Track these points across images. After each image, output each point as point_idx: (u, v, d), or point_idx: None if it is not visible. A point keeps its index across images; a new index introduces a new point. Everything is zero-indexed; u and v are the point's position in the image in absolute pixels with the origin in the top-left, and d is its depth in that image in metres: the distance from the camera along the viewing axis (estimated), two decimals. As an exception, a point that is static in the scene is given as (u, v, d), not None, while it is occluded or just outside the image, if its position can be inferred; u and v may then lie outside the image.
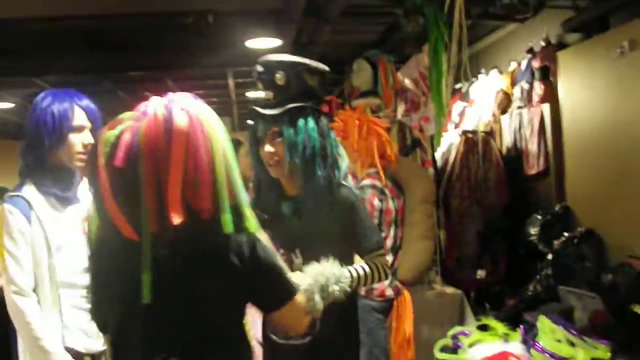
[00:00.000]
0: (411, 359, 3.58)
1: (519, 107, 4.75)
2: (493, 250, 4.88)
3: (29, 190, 2.27)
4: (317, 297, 1.91)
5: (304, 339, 2.06)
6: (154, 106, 1.48)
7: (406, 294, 3.63)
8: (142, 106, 1.51)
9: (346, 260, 2.19)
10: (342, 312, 2.22)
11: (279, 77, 2.20)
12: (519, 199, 4.88)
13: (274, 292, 1.62)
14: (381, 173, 3.68)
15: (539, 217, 4.29)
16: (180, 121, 1.44)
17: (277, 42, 4.65)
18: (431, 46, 3.99)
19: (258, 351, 2.41)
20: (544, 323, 3.00)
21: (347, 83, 5.66)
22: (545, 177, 4.52)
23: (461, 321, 4.11)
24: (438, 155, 5.21)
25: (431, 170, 4.55)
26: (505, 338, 3.14)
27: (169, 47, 5.12)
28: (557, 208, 4.28)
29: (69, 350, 2.21)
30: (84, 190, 2.28)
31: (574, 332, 2.95)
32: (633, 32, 3.49)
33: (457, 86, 5.48)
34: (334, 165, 2.24)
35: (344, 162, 2.29)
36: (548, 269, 3.91)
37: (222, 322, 1.55)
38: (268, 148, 2.21)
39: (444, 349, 3.32)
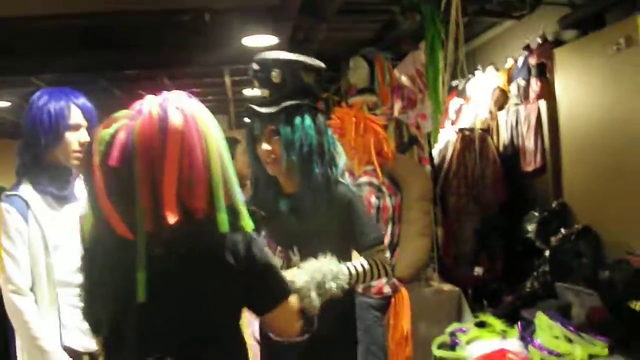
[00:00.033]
0: (409, 357, 3.59)
1: (516, 104, 4.75)
2: (490, 248, 4.88)
3: (26, 189, 2.27)
4: (314, 294, 1.91)
5: (302, 336, 2.05)
6: (149, 105, 1.47)
7: (404, 291, 3.63)
8: (137, 105, 1.51)
9: (344, 257, 2.19)
10: (340, 309, 2.22)
11: (275, 75, 2.20)
12: (516, 195, 4.88)
13: (269, 292, 1.61)
14: (378, 170, 3.69)
15: (536, 214, 4.29)
16: (175, 120, 1.44)
17: (273, 39, 4.65)
18: (428, 43, 3.99)
19: (256, 350, 2.41)
20: (541, 320, 3.02)
21: (343, 80, 5.67)
22: (542, 174, 4.52)
23: (459, 318, 4.11)
24: (435, 152, 5.21)
25: (428, 167, 4.56)
26: (503, 335, 3.16)
27: (165, 45, 5.10)
28: (554, 205, 4.28)
29: (66, 349, 2.21)
30: (80, 188, 2.27)
31: (572, 329, 2.97)
32: (629, 28, 3.49)
33: (454, 83, 5.49)
34: (331, 162, 2.24)
35: (342, 160, 2.29)
36: (545, 266, 3.91)
37: (218, 322, 1.54)
38: (265, 146, 2.21)
39: (441, 346, 3.33)
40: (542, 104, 4.41)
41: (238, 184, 1.56)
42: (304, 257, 2.11)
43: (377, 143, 3.73)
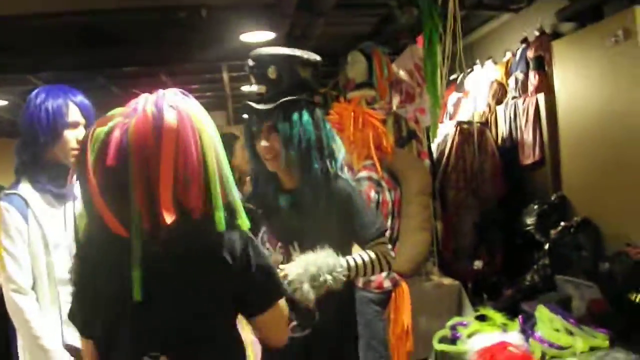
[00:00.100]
0: (410, 351, 3.60)
1: (514, 97, 4.75)
2: (490, 241, 4.89)
3: (25, 188, 2.27)
4: (306, 286, 1.91)
5: (303, 331, 2.05)
6: (144, 103, 1.46)
7: (404, 285, 3.64)
8: (133, 103, 1.50)
9: (345, 251, 2.19)
10: (340, 304, 2.23)
11: (271, 71, 2.19)
12: (515, 189, 4.88)
13: (264, 292, 1.59)
14: (377, 165, 3.68)
15: (535, 206, 4.29)
16: (170, 118, 1.43)
17: (270, 35, 4.64)
18: (425, 37, 3.99)
19: (258, 347, 2.41)
20: (542, 313, 3.02)
21: (341, 75, 5.66)
22: (541, 166, 4.52)
23: (459, 312, 4.12)
24: (434, 146, 5.21)
25: (427, 161, 4.55)
26: (504, 328, 3.16)
27: (162, 42, 5.10)
28: (553, 198, 4.28)
29: (68, 347, 2.20)
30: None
31: (572, 321, 2.97)
32: (627, 21, 3.48)
33: (452, 77, 5.48)
34: (330, 157, 2.23)
35: (341, 153, 2.29)
36: (545, 259, 3.92)
37: (214, 321, 1.53)
38: (264, 143, 2.20)
39: (442, 340, 3.34)
40: (541, 97, 4.41)
41: (234, 182, 1.55)
42: (304, 252, 2.10)
43: (375, 137, 3.73)
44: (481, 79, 5.27)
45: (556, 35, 4.35)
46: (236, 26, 4.58)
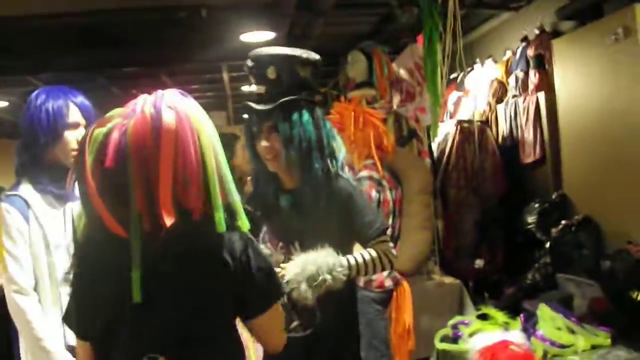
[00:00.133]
0: (411, 350, 3.59)
1: (514, 96, 4.75)
2: (491, 240, 4.89)
3: (26, 189, 2.27)
4: (303, 286, 1.91)
5: (304, 331, 2.05)
6: (142, 104, 1.46)
7: (405, 284, 3.63)
8: (131, 104, 1.49)
9: (346, 251, 2.19)
10: (341, 303, 2.22)
11: (270, 71, 2.18)
12: (515, 187, 4.88)
13: (263, 293, 1.58)
14: (378, 164, 3.68)
15: (536, 205, 4.29)
16: (168, 119, 1.42)
17: (271, 35, 4.64)
18: (426, 36, 3.99)
19: (259, 349, 2.41)
20: (543, 311, 3.02)
21: (342, 75, 5.66)
22: (542, 165, 4.52)
23: (461, 311, 4.12)
24: (434, 145, 5.21)
25: (428, 160, 4.56)
26: (505, 327, 3.16)
27: (163, 42, 5.10)
28: (554, 196, 4.28)
29: (70, 348, 2.21)
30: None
31: (574, 320, 2.97)
32: (627, 18, 3.48)
33: (452, 76, 5.48)
34: (331, 156, 2.23)
35: (341, 153, 2.28)
36: (546, 257, 3.91)
37: (213, 322, 1.53)
38: (264, 143, 2.20)
39: (444, 339, 3.34)
40: (541, 95, 4.41)
41: (235, 182, 1.54)
42: (305, 252, 2.10)
43: (376, 137, 3.73)
44: (481, 77, 5.27)
45: (556, 33, 4.35)
46: (236, 26, 4.58)
